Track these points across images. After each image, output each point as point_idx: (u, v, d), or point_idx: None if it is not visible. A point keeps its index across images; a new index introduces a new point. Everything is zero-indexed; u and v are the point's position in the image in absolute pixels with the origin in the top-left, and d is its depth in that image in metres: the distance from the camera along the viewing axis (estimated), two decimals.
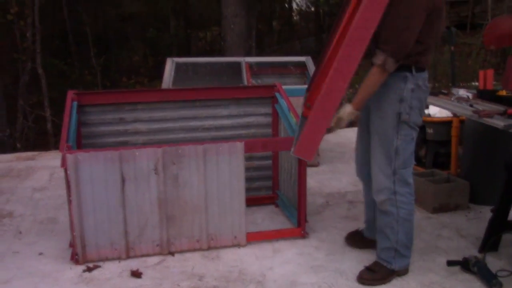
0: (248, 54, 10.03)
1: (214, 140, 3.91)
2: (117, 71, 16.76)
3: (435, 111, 4.70)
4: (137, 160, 3.10)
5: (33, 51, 10.83)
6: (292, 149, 2.79)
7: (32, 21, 10.72)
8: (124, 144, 3.83)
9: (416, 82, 2.71)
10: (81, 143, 3.73)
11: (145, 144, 3.83)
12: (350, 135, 6.25)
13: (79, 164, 3.01)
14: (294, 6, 24.46)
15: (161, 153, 3.12)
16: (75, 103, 3.65)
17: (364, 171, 3.08)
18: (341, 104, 2.69)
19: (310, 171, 3.55)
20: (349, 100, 2.86)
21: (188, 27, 18.46)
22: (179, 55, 16.42)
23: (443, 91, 4.16)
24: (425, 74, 2.77)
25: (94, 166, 3.04)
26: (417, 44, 2.62)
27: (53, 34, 15.21)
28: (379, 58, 2.60)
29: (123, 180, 3.10)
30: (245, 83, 5.40)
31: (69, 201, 3.05)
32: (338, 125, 2.75)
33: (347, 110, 2.73)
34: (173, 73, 5.40)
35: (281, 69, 6.28)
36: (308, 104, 2.82)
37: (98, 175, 3.06)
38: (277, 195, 4.13)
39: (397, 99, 2.70)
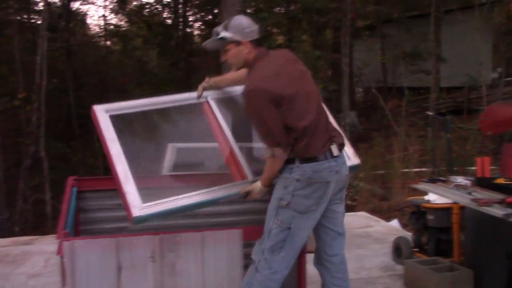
0: None
1: (213, 227, 3.87)
2: None
3: (434, 197, 4.68)
4: (134, 248, 3.06)
5: (37, 135, 10.99)
6: None
7: (38, 106, 10.95)
8: (121, 230, 3.79)
9: (303, 173, 2.87)
10: (79, 229, 3.70)
11: (142, 231, 3.78)
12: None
13: (75, 251, 2.97)
14: None
15: (158, 241, 3.09)
16: (74, 189, 3.66)
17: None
18: None
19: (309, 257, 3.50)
20: None
21: None
22: None
23: (441, 178, 4.19)
24: (318, 165, 2.88)
25: (90, 253, 2.99)
26: (291, 131, 2.85)
27: (58, 118, 15.55)
28: (267, 152, 2.92)
29: (119, 268, 3.04)
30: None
31: None
32: (250, 197, 3.12)
33: (258, 186, 3.07)
34: (174, 158, 5.43)
35: None
36: None
37: (94, 263, 3.00)
38: None
39: (282, 186, 2.95)
